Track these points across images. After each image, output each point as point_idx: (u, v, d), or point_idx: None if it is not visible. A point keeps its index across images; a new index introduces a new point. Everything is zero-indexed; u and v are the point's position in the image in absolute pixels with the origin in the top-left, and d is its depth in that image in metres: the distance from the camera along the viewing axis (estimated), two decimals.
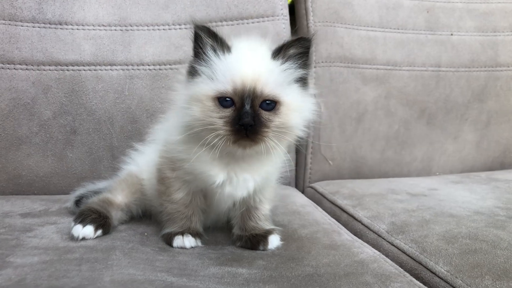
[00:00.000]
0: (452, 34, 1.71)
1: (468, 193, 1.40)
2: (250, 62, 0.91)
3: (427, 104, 1.69)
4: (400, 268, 0.95)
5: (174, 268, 0.89)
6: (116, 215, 1.13)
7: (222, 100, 0.90)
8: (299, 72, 0.94)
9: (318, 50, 1.56)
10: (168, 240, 1.04)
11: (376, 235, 1.14)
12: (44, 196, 1.41)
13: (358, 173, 1.64)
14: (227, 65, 0.91)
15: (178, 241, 1.02)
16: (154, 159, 1.09)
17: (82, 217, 1.06)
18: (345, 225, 1.25)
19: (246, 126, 0.88)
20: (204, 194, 1.05)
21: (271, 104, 0.91)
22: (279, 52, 0.93)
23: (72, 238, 1.03)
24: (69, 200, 1.25)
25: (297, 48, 0.94)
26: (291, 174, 1.60)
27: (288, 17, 1.56)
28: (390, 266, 0.94)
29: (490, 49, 1.75)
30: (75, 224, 1.04)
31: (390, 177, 1.66)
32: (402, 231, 1.11)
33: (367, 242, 1.14)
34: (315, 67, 1.56)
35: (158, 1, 1.51)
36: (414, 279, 0.89)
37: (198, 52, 0.93)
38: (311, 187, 1.55)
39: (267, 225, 1.07)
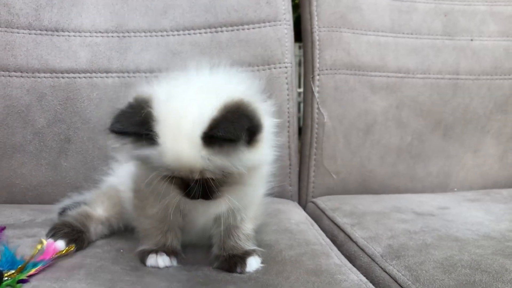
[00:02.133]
0: (472, 40, 1.59)
1: (482, 213, 1.27)
2: (180, 157, 0.79)
3: (443, 114, 1.57)
4: None
5: None
6: (95, 229, 1.09)
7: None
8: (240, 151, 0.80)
9: (322, 57, 1.48)
10: (142, 258, 0.98)
11: (369, 259, 1.05)
12: (37, 205, 1.38)
13: (366, 188, 1.54)
14: (159, 157, 0.80)
15: (151, 260, 0.96)
16: (131, 170, 1.04)
17: (54, 231, 1.02)
18: (341, 245, 1.16)
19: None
20: (180, 209, 0.98)
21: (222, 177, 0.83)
22: (210, 143, 0.78)
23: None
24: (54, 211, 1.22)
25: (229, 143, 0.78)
26: (293, 187, 1.52)
27: (291, 22, 1.49)
28: None
29: None
30: (47, 239, 1.00)
31: (402, 193, 1.55)
32: (398, 256, 1.01)
33: (360, 266, 1.05)
34: (318, 74, 1.48)
35: (157, 7, 1.47)
36: None
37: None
38: (313, 202, 1.46)
39: (248, 246, 0.99)
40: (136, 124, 0.79)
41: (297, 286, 0.87)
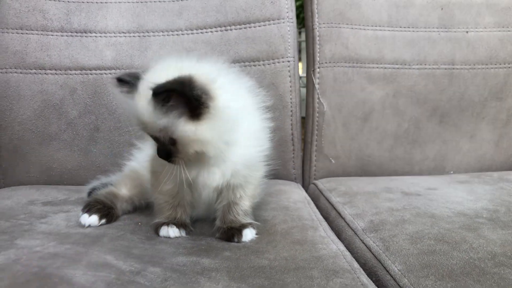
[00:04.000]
0: (467, 32, 1.68)
1: (465, 193, 1.39)
2: (137, 109, 1.00)
3: (439, 102, 1.68)
4: (356, 265, 1.00)
5: (145, 256, 1.00)
6: (121, 206, 1.27)
7: None
8: (179, 114, 0.97)
9: (322, 51, 1.61)
10: (155, 229, 1.16)
11: (353, 232, 1.19)
12: (71, 186, 1.58)
13: (365, 171, 1.67)
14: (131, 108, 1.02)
15: (163, 231, 1.14)
16: (149, 154, 1.21)
17: (89, 207, 1.21)
18: (332, 221, 1.31)
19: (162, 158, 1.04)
20: (189, 185, 1.15)
21: (171, 140, 1.00)
22: (156, 100, 0.96)
23: (80, 225, 1.18)
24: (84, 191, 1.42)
25: (175, 100, 0.95)
26: (297, 170, 1.66)
27: (294, 19, 1.62)
28: (345, 263, 0.99)
29: (510, 45, 1.69)
30: (82, 213, 1.20)
31: (399, 175, 1.67)
32: (376, 230, 1.15)
33: (344, 239, 1.19)
34: (318, 67, 1.61)
35: (173, 8, 1.63)
36: (362, 277, 0.94)
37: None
38: (314, 184, 1.60)
39: (245, 220, 1.16)
40: (130, 77, 1.02)
41: (281, 252, 1.03)
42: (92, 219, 1.18)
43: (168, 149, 1.01)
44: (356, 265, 1.00)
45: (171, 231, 1.14)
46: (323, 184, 1.55)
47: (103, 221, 1.20)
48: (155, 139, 1.03)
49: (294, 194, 1.47)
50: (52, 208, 1.33)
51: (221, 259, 1.00)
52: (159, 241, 1.11)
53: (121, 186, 1.31)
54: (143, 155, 1.31)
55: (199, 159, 1.03)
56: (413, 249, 1.02)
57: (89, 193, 1.38)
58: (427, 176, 1.66)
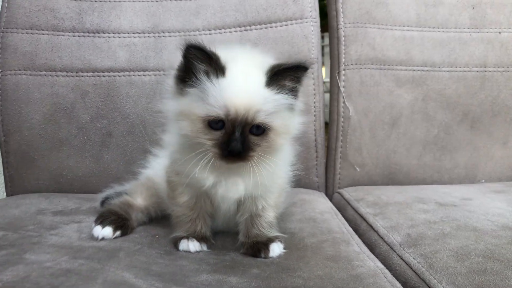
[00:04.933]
0: (500, 32, 1.59)
1: (505, 204, 1.30)
2: (244, 90, 0.90)
3: (470, 107, 1.59)
4: (398, 285, 0.90)
5: (166, 274, 0.91)
6: (136, 217, 1.19)
7: (213, 123, 0.91)
8: (290, 100, 0.94)
9: (348, 52, 1.52)
10: (175, 243, 1.07)
11: (388, 247, 1.10)
12: (82, 194, 1.50)
13: (392, 180, 1.58)
14: (220, 90, 0.90)
15: (183, 245, 1.05)
16: (165, 163, 1.13)
17: (102, 219, 1.12)
18: (363, 234, 1.22)
19: (235, 152, 0.91)
20: (208, 196, 1.06)
21: (260, 130, 0.92)
22: (273, 81, 0.92)
23: (92, 238, 1.09)
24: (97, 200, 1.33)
25: (291, 80, 0.94)
26: (320, 179, 1.57)
27: (317, 19, 1.54)
28: (386, 282, 0.90)
29: None
30: (95, 225, 1.11)
31: (428, 184, 1.58)
32: (415, 245, 1.05)
33: (379, 254, 1.10)
34: (344, 69, 1.52)
35: (190, 8, 1.55)
36: None
37: (189, 71, 0.92)
38: (338, 193, 1.51)
39: (271, 233, 1.07)
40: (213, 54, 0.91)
41: (315, 270, 0.93)
42: (106, 231, 1.10)
43: (248, 144, 0.92)
44: (398, 285, 0.91)
45: (192, 245, 1.05)
46: (349, 193, 1.46)
47: (118, 233, 1.11)
48: (237, 129, 0.91)
49: (319, 204, 1.38)
50: (62, 218, 1.25)
51: (249, 277, 0.91)
52: (179, 256, 1.03)
53: (136, 196, 1.22)
54: (159, 163, 1.22)
55: (273, 151, 0.97)
56: (461, 267, 0.93)
57: (102, 202, 1.30)
58: (458, 185, 1.57)
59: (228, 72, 0.91)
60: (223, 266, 0.97)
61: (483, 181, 1.63)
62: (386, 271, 0.96)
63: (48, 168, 1.51)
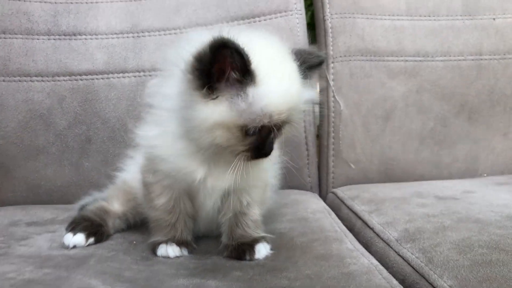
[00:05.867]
0: (495, 19, 1.52)
1: (509, 195, 1.21)
2: (286, 94, 0.82)
3: (467, 97, 1.51)
4: (395, 282, 0.82)
5: (139, 279, 0.83)
6: (113, 223, 1.11)
7: (251, 129, 0.82)
8: (313, 95, 0.90)
9: (336, 44, 1.45)
10: (153, 248, 0.99)
11: (385, 244, 1.01)
12: (61, 205, 1.41)
13: (388, 176, 1.49)
14: (261, 96, 0.80)
15: (161, 250, 0.97)
16: (140, 163, 1.05)
17: (73, 225, 1.05)
18: (358, 233, 1.13)
19: (268, 154, 0.85)
20: (189, 196, 0.98)
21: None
22: (305, 76, 0.86)
23: (63, 246, 1.01)
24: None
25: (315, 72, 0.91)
26: (313, 178, 1.49)
27: (303, 11, 1.47)
28: (381, 279, 0.81)
29: None
30: (66, 233, 1.03)
31: (426, 180, 1.49)
32: (413, 239, 0.97)
33: (375, 252, 1.02)
34: (332, 62, 1.45)
35: (170, 5, 1.48)
36: None
37: (219, 72, 0.80)
38: (333, 193, 1.43)
39: (257, 233, 0.98)
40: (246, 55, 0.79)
41: (303, 269, 0.85)
42: (77, 239, 1.02)
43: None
44: (394, 282, 0.83)
45: (171, 250, 0.97)
46: (344, 192, 1.37)
47: (91, 240, 1.03)
48: (271, 130, 0.83)
49: (312, 204, 1.30)
50: (36, 229, 1.16)
51: (230, 280, 0.82)
52: (157, 261, 0.95)
53: (112, 201, 1.14)
54: (135, 165, 1.14)
55: None
56: (463, 259, 0.84)
57: (80, 210, 1.22)
58: (459, 179, 1.48)
59: (263, 73, 0.80)
60: (203, 270, 0.89)
61: (485, 175, 1.54)
62: (382, 268, 0.88)
63: (25, 179, 1.43)
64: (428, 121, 1.50)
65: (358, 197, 1.30)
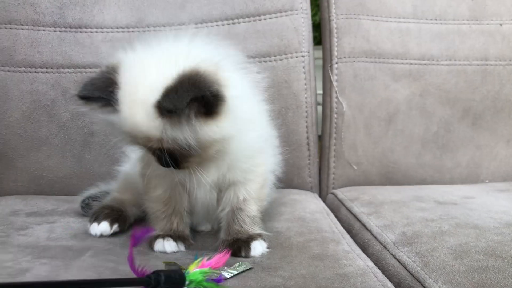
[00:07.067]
0: (501, 25, 1.51)
1: (509, 202, 1.21)
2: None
3: (471, 102, 1.50)
4: (389, 284, 0.82)
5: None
6: (131, 211, 1.11)
7: None
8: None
9: (340, 45, 1.45)
10: (150, 243, 0.99)
11: (382, 247, 1.01)
12: (62, 196, 1.42)
13: (389, 179, 1.49)
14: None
15: (158, 245, 0.97)
16: (137, 155, 1.05)
17: (96, 215, 1.05)
18: (356, 235, 1.13)
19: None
20: (184, 189, 0.98)
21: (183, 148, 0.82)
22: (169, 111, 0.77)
23: (91, 235, 1.03)
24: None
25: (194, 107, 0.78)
26: (314, 179, 1.49)
27: (308, 11, 1.47)
28: (376, 282, 0.81)
29: None
30: (91, 224, 1.04)
31: (428, 184, 1.49)
32: (410, 243, 0.97)
33: (372, 254, 1.01)
34: (336, 63, 1.45)
35: (175, 1, 1.48)
36: None
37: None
38: (332, 193, 1.43)
39: (254, 230, 0.98)
40: (100, 90, 0.81)
41: (298, 269, 0.85)
42: (102, 227, 1.03)
43: (175, 157, 0.83)
44: (389, 284, 0.82)
45: (168, 246, 0.97)
46: (344, 193, 1.37)
47: (115, 227, 1.04)
48: (157, 150, 0.83)
49: (311, 204, 1.30)
50: (35, 219, 1.17)
51: None
52: (154, 256, 0.94)
53: (123, 191, 1.15)
54: (134, 156, 1.15)
55: (213, 157, 0.86)
56: (459, 265, 0.84)
57: (83, 201, 1.22)
58: (460, 185, 1.47)
59: (120, 106, 0.83)
60: None
61: (487, 181, 1.54)
62: (377, 270, 0.88)
63: (27, 169, 1.44)
64: (431, 125, 1.49)
65: (357, 198, 1.30)
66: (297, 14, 1.45)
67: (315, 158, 1.48)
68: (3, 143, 1.42)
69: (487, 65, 1.50)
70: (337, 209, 1.32)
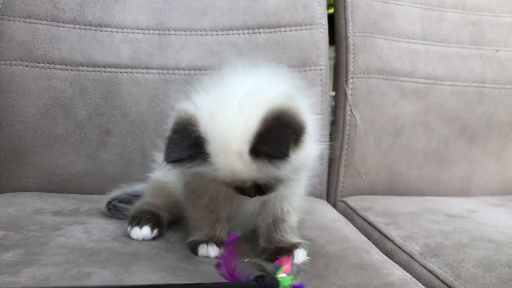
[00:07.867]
0: (497, 51, 1.64)
1: (509, 217, 1.32)
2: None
3: (468, 121, 1.62)
4: None
5: (196, 279, 0.87)
6: (164, 216, 1.13)
7: None
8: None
9: (356, 61, 1.53)
10: (193, 248, 1.02)
11: (408, 257, 1.09)
12: (76, 195, 1.41)
13: (392, 189, 1.59)
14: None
15: (202, 249, 1.01)
16: None
17: (137, 220, 1.07)
18: (376, 244, 1.20)
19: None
20: (229, 198, 1.02)
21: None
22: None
23: (133, 239, 1.05)
24: (101, 201, 1.25)
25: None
26: (323, 186, 1.56)
27: (326, 26, 1.53)
28: None
29: None
30: (132, 228, 1.06)
31: (426, 195, 1.59)
32: (436, 254, 1.05)
33: (398, 263, 1.09)
34: (352, 78, 1.52)
35: (196, 7, 1.51)
36: None
37: None
38: (343, 201, 1.50)
39: (294, 239, 1.04)
40: (189, 149, 0.81)
41: (347, 278, 0.91)
42: (144, 232, 1.05)
43: (261, 188, 0.87)
44: None
45: (212, 251, 1.00)
46: (355, 202, 1.45)
47: (155, 231, 1.07)
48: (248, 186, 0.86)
49: (327, 212, 1.37)
50: (64, 219, 1.17)
51: None
52: (199, 261, 0.98)
53: (156, 196, 1.16)
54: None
55: None
56: (490, 277, 0.93)
57: (109, 203, 1.22)
58: (458, 197, 1.59)
59: (213, 158, 0.84)
60: (251, 271, 0.93)
61: (477, 194, 1.66)
62: (414, 279, 0.95)
63: (41, 166, 1.42)
64: (433, 140, 1.60)
65: (370, 208, 1.38)
66: (316, 28, 1.51)
67: (325, 167, 1.55)
68: (17, 138, 1.40)
69: (484, 87, 1.62)
70: (350, 217, 1.39)
